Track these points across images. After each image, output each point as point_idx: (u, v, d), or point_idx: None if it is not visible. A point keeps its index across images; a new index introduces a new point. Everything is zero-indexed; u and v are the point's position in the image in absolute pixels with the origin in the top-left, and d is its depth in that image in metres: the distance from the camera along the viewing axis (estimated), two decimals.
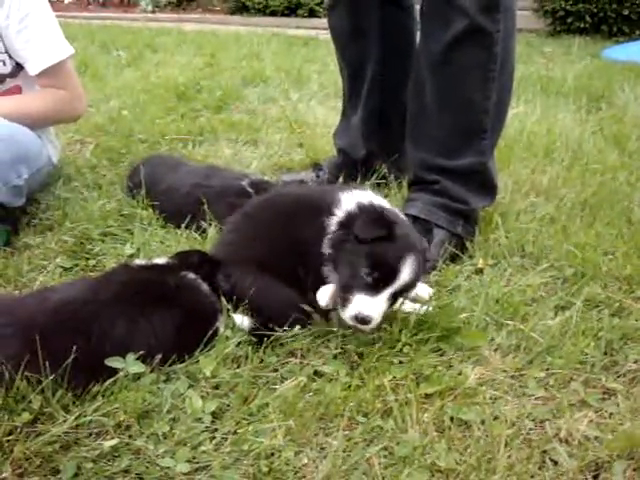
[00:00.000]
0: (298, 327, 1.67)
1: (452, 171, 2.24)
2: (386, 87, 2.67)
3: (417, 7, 2.42)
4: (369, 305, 1.57)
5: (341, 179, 2.69)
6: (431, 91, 2.22)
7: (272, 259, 1.71)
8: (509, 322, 1.76)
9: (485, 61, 2.13)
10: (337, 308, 1.65)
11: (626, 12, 8.17)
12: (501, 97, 2.22)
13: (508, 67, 2.20)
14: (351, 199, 1.74)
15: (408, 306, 1.75)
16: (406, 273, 1.59)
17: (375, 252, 1.59)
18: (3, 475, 1.23)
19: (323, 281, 1.69)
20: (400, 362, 1.59)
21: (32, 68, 2.51)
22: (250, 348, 1.59)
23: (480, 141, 2.22)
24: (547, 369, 1.60)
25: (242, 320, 1.67)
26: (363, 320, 1.57)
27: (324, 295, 1.67)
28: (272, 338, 1.63)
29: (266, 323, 1.64)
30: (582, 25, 8.49)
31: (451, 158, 2.23)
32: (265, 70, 5.56)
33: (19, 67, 2.56)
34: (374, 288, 1.58)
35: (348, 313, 1.58)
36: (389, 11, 2.55)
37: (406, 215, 1.96)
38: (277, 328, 1.65)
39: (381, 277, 1.58)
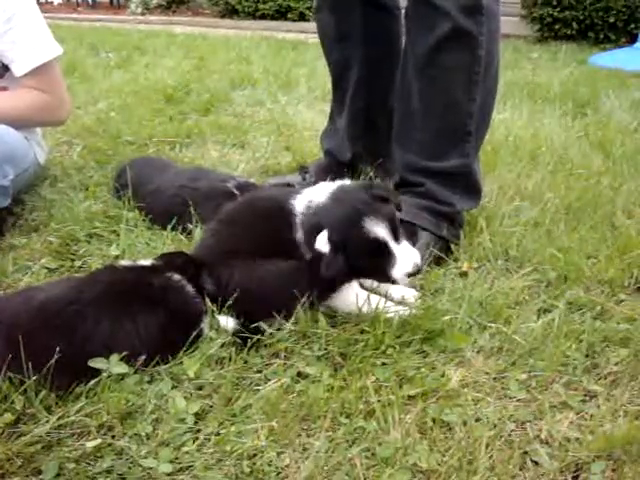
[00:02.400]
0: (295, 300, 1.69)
1: (437, 173, 2.25)
2: (371, 90, 2.68)
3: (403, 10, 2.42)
4: (405, 268, 1.71)
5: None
6: (417, 94, 2.23)
7: (256, 255, 1.73)
8: (492, 324, 1.77)
9: (469, 64, 2.14)
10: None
11: (612, 20, 8.23)
12: (486, 100, 2.23)
13: (492, 70, 2.22)
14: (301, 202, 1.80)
15: (392, 308, 1.77)
16: (380, 231, 1.68)
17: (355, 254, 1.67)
18: None
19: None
20: (383, 364, 1.60)
21: (18, 69, 2.50)
22: (234, 349, 1.60)
23: (464, 144, 2.23)
24: (529, 371, 1.61)
25: (226, 321, 1.68)
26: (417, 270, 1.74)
27: (322, 240, 1.69)
28: (255, 339, 1.63)
29: (265, 299, 1.69)
30: (569, 32, 8.54)
31: (436, 160, 2.25)
32: (254, 73, 5.57)
33: (5, 68, 2.54)
34: (389, 264, 1.71)
35: (404, 280, 1.75)
36: (373, 14, 2.56)
37: None
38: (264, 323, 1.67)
39: (381, 259, 1.70)
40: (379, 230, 1.67)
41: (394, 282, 1.76)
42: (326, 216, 1.71)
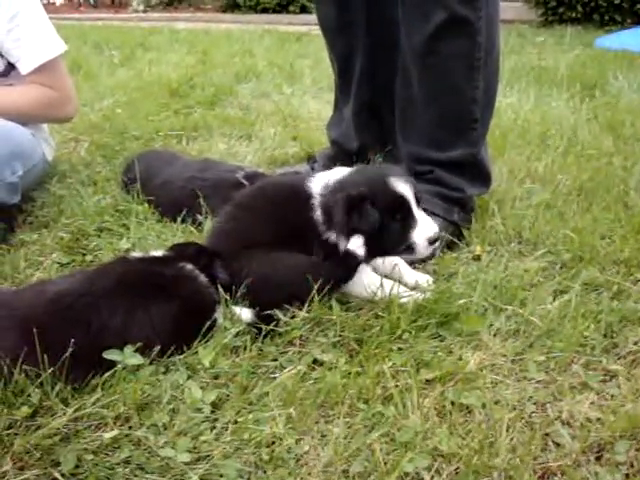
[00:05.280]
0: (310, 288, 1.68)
1: (444, 163, 2.23)
2: (376, 79, 2.65)
3: None
4: (427, 233, 1.73)
5: None
6: (418, 83, 2.21)
7: (271, 243, 1.72)
8: (508, 307, 1.75)
9: (469, 50, 2.11)
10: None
11: (617, 1, 8.17)
12: (489, 85, 2.21)
13: (493, 54, 2.19)
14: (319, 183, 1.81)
15: (406, 293, 1.75)
16: (405, 190, 1.71)
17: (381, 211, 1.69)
18: (4, 469, 1.22)
19: (333, 247, 1.75)
20: (399, 349, 1.58)
21: (24, 67, 2.49)
22: (249, 338, 1.59)
23: (471, 131, 2.21)
24: (547, 352, 1.59)
25: (241, 311, 1.67)
26: (435, 239, 1.75)
27: (359, 245, 1.70)
28: (270, 327, 1.62)
29: (281, 291, 1.69)
30: (574, 15, 8.49)
31: (442, 150, 2.23)
32: (258, 66, 5.56)
33: (11, 66, 2.54)
34: (410, 226, 1.73)
35: (424, 247, 1.75)
36: (375, 2, 2.52)
37: None
38: (279, 312, 1.67)
39: (404, 218, 1.72)
40: (404, 188, 1.70)
41: (413, 250, 1.75)
42: (350, 183, 1.73)
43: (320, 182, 1.80)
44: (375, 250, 1.77)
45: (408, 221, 1.72)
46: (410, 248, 1.74)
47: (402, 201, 1.70)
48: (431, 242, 1.74)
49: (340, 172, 1.82)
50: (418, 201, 1.74)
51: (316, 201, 1.76)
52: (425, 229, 1.72)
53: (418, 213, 1.73)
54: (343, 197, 1.68)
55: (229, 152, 3.21)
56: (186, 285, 1.62)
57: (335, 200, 1.70)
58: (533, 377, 1.51)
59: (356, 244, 1.70)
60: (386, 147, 2.70)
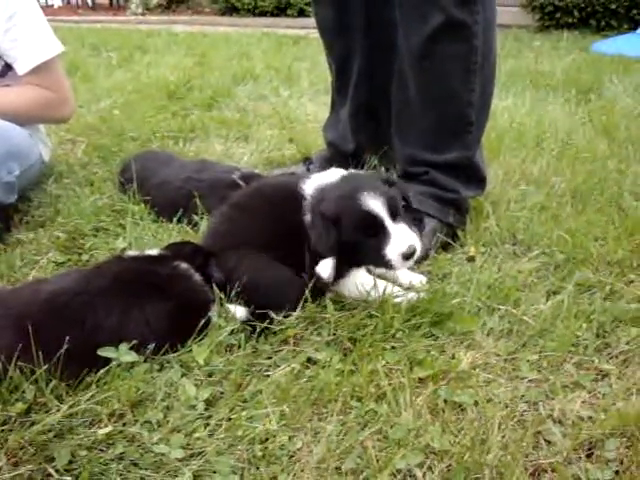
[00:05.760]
0: (295, 305, 1.70)
1: (440, 165, 2.24)
2: (373, 81, 2.65)
3: None
4: (399, 248, 1.66)
5: None
6: (414, 86, 2.22)
7: (266, 244, 1.72)
8: (501, 307, 1.76)
9: (466, 54, 2.12)
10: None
11: (614, 6, 8.20)
12: (485, 88, 2.22)
13: (490, 58, 2.20)
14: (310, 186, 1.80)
15: (400, 293, 1.76)
16: (376, 206, 1.65)
17: (352, 231, 1.68)
18: None
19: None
20: (393, 347, 1.59)
21: (21, 67, 2.49)
22: (243, 336, 1.59)
23: (466, 134, 2.23)
24: (540, 352, 1.60)
25: (235, 309, 1.68)
26: (411, 253, 1.67)
27: (325, 268, 1.69)
28: (264, 326, 1.63)
29: (265, 302, 1.67)
30: (571, 20, 8.51)
31: (438, 152, 2.24)
32: (255, 68, 5.56)
33: (8, 67, 2.54)
34: (383, 243, 1.67)
35: (400, 263, 1.68)
36: (373, 4, 2.53)
37: None
38: (272, 312, 1.67)
39: (376, 234, 1.67)
40: (374, 205, 1.65)
41: (391, 267, 1.69)
42: (327, 194, 1.72)
43: (312, 185, 1.79)
44: (354, 264, 1.79)
45: (380, 239, 1.67)
46: (387, 264, 1.69)
47: (370, 219, 1.65)
48: (406, 257, 1.67)
49: (332, 175, 1.81)
50: (395, 215, 1.68)
51: (306, 204, 1.76)
52: (398, 245, 1.66)
53: (392, 227, 1.66)
54: (317, 216, 1.69)
55: (226, 153, 3.22)
56: (181, 283, 1.62)
57: (311, 217, 1.72)
58: (525, 376, 1.52)
59: (324, 267, 1.69)
60: (382, 149, 2.70)
